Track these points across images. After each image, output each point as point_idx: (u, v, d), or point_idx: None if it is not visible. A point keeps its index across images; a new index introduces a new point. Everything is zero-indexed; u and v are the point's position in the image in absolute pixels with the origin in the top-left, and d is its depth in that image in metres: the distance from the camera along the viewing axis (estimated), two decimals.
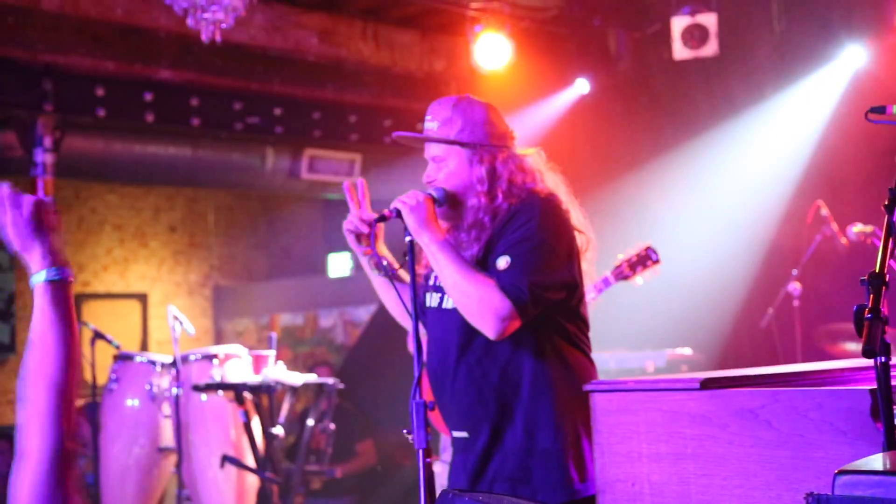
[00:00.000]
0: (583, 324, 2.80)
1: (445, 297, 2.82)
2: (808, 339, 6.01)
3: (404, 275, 2.91)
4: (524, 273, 2.59)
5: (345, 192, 2.96)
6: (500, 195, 2.73)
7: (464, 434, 2.76)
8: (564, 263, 2.68)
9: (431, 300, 2.88)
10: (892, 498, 1.47)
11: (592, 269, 2.86)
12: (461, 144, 2.77)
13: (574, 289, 2.74)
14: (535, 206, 2.69)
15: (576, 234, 2.78)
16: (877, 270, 1.94)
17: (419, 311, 2.86)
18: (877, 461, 1.63)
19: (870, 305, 1.85)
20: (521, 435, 2.69)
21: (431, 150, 2.82)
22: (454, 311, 2.76)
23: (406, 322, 3.03)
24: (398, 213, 2.71)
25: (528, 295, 2.57)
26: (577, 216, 2.83)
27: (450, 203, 2.78)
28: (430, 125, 2.81)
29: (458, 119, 2.78)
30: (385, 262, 2.92)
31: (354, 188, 2.97)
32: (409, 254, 2.70)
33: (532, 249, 2.63)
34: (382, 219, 2.75)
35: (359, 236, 2.95)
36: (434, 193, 2.76)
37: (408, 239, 2.70)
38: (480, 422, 2.73)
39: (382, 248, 2.96)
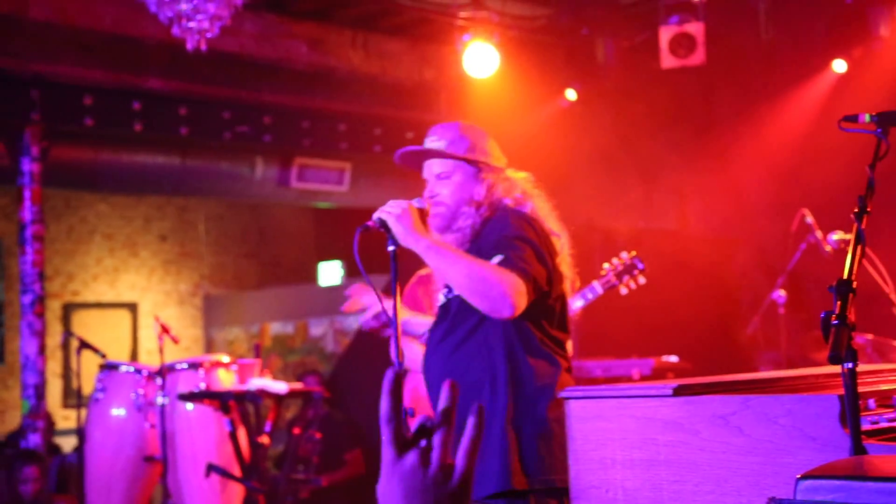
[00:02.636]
0: (550, 325, 2.89)
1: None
2: (794, 346, 6.02)
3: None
4: (520, 262, 2.74)
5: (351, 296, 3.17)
6: (485, 207, 2.94)
7: None
8: (544, 259, 2.82)
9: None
10: (854, 502, 1.48)
11: (575, 277, 2.96)
12: (470, 161, 2.96)
13: (552, 284, 2.86)
14: (504, 216, 2.89)
15: (550, 238, 2.92)
16: (844, 277, 1.95)
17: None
18: (840, 466, 1.64)
19: (836, 312, 1.86)
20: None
21: (436, 167, 2.99)
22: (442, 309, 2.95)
23: None
24: (382, 224, 2.74)
25: (531, 276, 2.72)
26: (553, 224, 2.97)
27: (432, 215, 2.93)
28: (437, 144, 2.99)
29: (467, 139, 2.99)
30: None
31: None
32: (392, 263, 2.74)
33: (518, 246, 2.78)
34: (366, 229, 2.78)
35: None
36: (416, 204, 2.83)
37: (391, 248, 2.73)
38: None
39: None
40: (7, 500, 6.02)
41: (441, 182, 2.96)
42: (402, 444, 1.09)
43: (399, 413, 1.09)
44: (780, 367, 5.92)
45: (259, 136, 8.01)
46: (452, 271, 2.73)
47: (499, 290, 2.66)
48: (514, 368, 2.81)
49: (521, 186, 3.00)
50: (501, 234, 2.80)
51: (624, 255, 4.60)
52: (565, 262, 2.93)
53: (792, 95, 7.38)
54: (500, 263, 2.73)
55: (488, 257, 2.76)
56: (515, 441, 2.76)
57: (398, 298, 2.71)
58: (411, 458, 1.09)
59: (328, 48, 7.60)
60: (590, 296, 4.60)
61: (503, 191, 2.95)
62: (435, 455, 1.08)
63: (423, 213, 2.82)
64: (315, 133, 8.30)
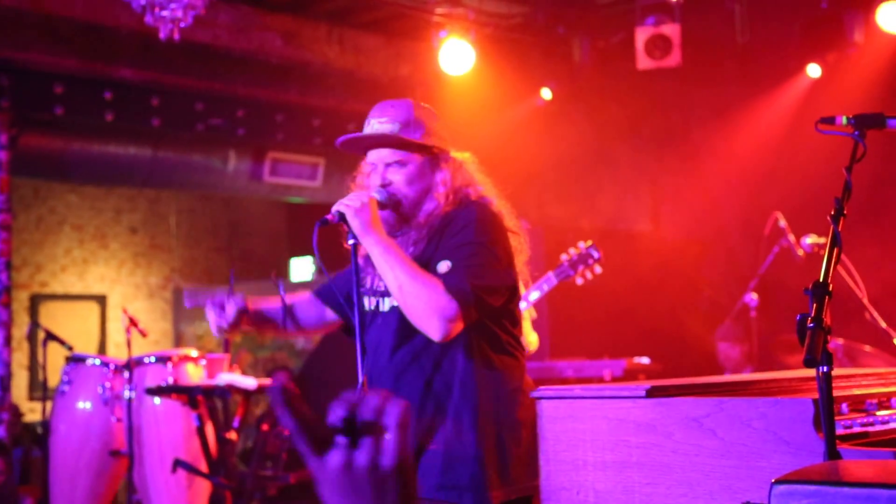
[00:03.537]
0: (514, 327, 2.80)
1: (381, 300, 2.82)
2: (765, 349, 6.04)
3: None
4: (466, 276, 2.59)
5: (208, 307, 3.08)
6: (449, 197, 2.75)
7: None
8: (503, 267, 2.70)
9: (368, 304, 2.86)
10: None
11: (526, 270, 2.86)
12: (429, 150, 2.77)
13: (513, 292, 2.75)
14: (470, 211, 2.71)
15: (510, 235, 2.79)
16: (821, 280, 1.93)
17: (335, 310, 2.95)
18: (814, 471, 1.63)
19: (812, 314, 1.85)
20: (445, 439, 2.69)
21: (389, 154, 2.77)
22: (389, 314, 2.77)
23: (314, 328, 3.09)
24: (341, 217, 2.66)
25: (472, 297, 2.58)
26: (509, 219, 2.83)
27: (393, 207, 2.75)
28: (387, 127, 2.76)
29: (422, 123, 2.77)
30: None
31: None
32: (353, 257, 2.67)
33: (472, 254, 2.63)
34: (325, 223, 2.68)
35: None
36: (377, 195, 2.72)
37: (351, 243, 2.66)
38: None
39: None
40: None
41: (393, 169, 2.75)
42: (320, 446, 1.04)
43: (303, 421, 1.03)
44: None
45: (232, 129, 7.93)
46: (389, 277, 2.60)
47: (425, 313, 2.55)
48: (484, 372, 2.68)
49: (476, 174, 2.83)
50: (463, 237, 2.65)
51: (581, 244, 4.54)
52: (521, 261, 2.82)
53: (766, 99, 7.41)
54: (446, 274, 2.59)
55: (444, 258, 2.64)
56: (490, 450, 2.65)
57: (359, 294, 2.64)
58: (334, 459, 1.04)
59: (303, 42, 7.54)
60: (545, 287, 4.54)
61: (463, 180, 2.78)
62: (362, 455, 1.02)
63: (383, 205, 2.72)
64: (289, 127, 8.24)
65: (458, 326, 2.58)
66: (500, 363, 2.72)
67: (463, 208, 2.72)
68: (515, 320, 2.80)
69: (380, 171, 2.77)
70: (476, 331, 2.67)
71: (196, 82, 7.49)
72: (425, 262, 2.67)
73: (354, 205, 2.63)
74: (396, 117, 2.76)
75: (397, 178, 2.74)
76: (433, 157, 2.77)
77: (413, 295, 2.57)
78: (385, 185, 2.75)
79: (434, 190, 2.74)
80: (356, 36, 7.79)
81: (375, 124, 2.78)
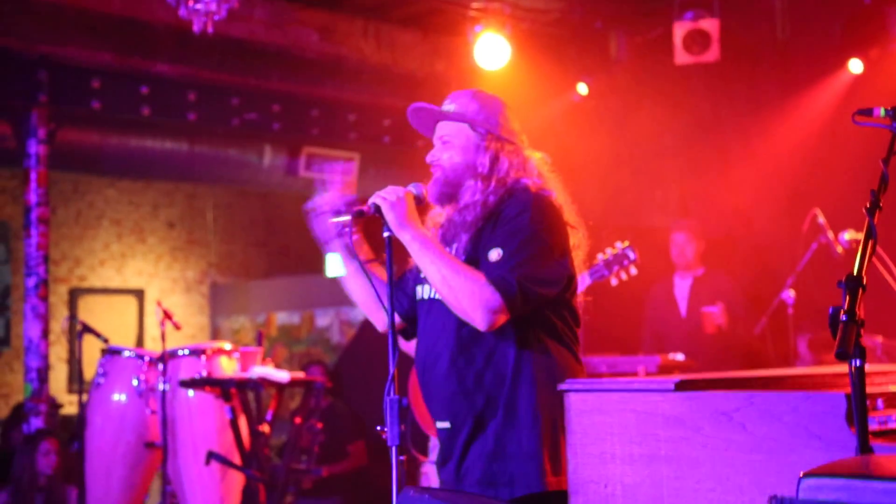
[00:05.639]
0: (572, 319, 2.77)
1: None
2: (803, 345, 5.95)
3: (379, 270, 2.90)
4: (515, 266, 2.58)
5: (334, 174, 2.91)
6: (493, 183, 2.74)
7: (446, 424, 2.72)
8: (557, 257, 2.67)
9: (423, 292, 2.85)
10: (857, 502, 1.43)
11: (584, 268, 2.86)
12: (472, 126, 2.79)
13: (568, 283, 2.72)
14: (526, 200, 2.69)
15: (569, 230, 2.77)
16: (854, 272, 1.89)
17: (412, 304, 2.88)
18: (844, 464, 1.59)
19: (845, 307, 1.81)
20: (500, 427, 2.66)
21: (441, 130, 2.84)
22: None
23: (374, 316, 2.99)
24: (377, 209, 2.67)
25: (516, 288, 2.56)
26: (569, 214, 2.81)
27: (445, 186, 2.77)
28: (448, 107, 2.84)
29: (475, 104, 2.82)
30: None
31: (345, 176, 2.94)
32: (388, 249, 2.67)
33: (524, 242, 2.62)
34: (360, 214, 2.70)
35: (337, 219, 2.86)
36: (413, 190, 2.75)
37: (386, 234, 2.66)
38: (462, 413, 2.70)
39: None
40: (27, 480, 6.08)
41: (444, 146, 2.80)
42: None
43: None
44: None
45: (268, 124, 7.97)
46: (430, 271, 2.61)
47: (469, 306, 2.55)
48: (540, 360, 2.66)
49: (539, 168, 2.82)
50: (516, 224, 2.63)
51: (618, 244, 4.50)
52: (578, 258, 2.81)
53: (807, 95, 7.30)
54: (495, 263, 2.59)
55: (496, 245, 2.63)
56: (545, 438, 2.61)
57: (393, 285, 2.64)
58: None
59: (339, 37, 7.55)
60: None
61: (518, 168, 2.77)
62: None
63: (419, 200, 2.74)
64: (324, 122, 8.26)
65: (503, 318, 2.58)
66: (556, 353, 2.69)
67: (519, 196, 2.71)
68: (576, 316, 2.78)
69: (436, 147, 2.84)
70: (533, 319, 2.65)
71: (232, 77, 7.53)
72: (478, 248, 2.66)
73: (390, 198, 2.65)
74: (456, 99, 2.85)
75: (444, 154, 2.80)
76: (481, 137, 2.78)
77: (455, 288, 2.57)
78: (433, 160, 2.81)
79: (476, 173, 2.75)
80: (392, 31, 7.79)
81: (444, 107, 2.85)
